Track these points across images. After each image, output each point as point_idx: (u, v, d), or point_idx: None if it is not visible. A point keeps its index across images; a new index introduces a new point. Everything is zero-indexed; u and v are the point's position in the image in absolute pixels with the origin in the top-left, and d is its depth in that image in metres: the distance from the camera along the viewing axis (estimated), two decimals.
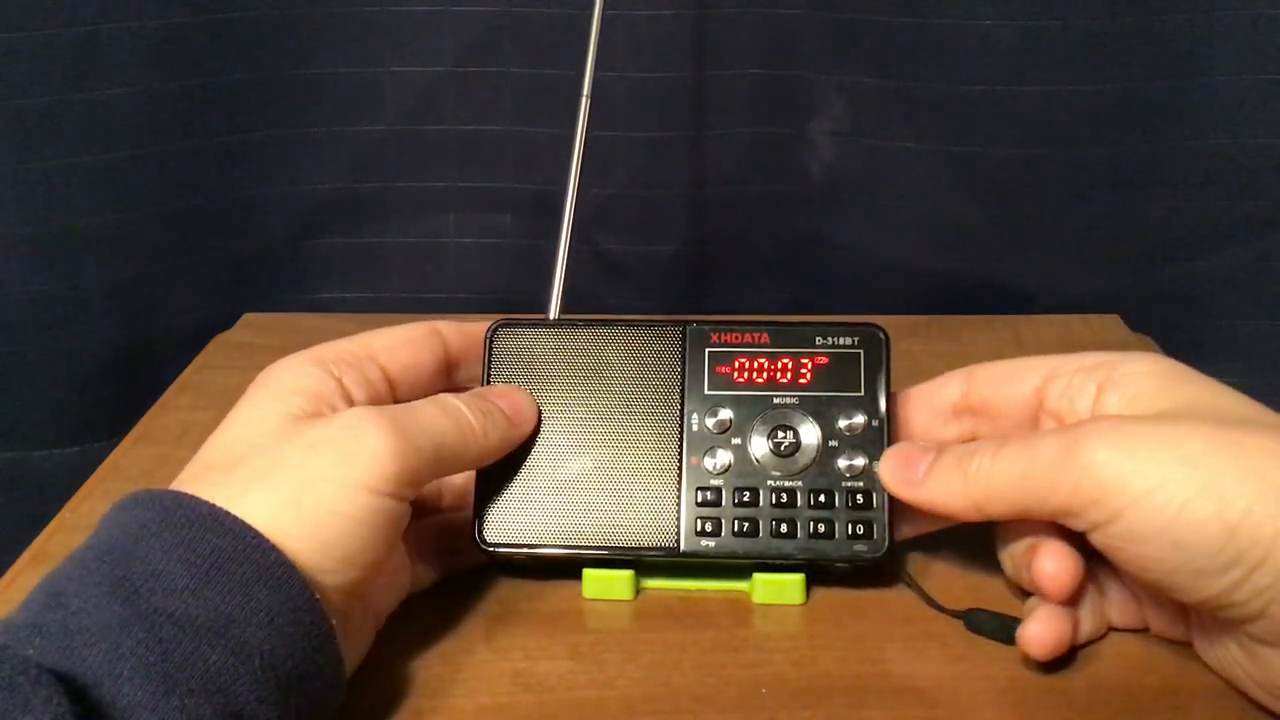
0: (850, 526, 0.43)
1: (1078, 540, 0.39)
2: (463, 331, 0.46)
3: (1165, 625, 0.41)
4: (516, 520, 0.44)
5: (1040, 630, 0.40)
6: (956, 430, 0.44)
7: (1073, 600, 0.40)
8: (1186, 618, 0.41)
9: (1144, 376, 0.39)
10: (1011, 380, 0.43)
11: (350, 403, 0.41)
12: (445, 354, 0.45)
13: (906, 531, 0.44)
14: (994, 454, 0.39)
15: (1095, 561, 0.41)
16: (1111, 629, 0.42)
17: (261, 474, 0.36)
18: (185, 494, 0.35)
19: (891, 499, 0.43)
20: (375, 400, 0.42)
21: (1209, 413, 0.37)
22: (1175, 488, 0.34)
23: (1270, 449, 0.35)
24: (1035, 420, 0.42)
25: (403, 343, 0.44)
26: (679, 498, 0.44)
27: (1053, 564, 0.39)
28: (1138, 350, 0.43)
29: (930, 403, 0.45)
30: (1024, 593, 0.42)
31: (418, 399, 0.46)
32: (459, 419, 0.41)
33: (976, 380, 0.44)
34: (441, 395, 0.42)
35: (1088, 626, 0.41)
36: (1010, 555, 0.42)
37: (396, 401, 0.44)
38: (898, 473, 0.42)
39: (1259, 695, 0.38)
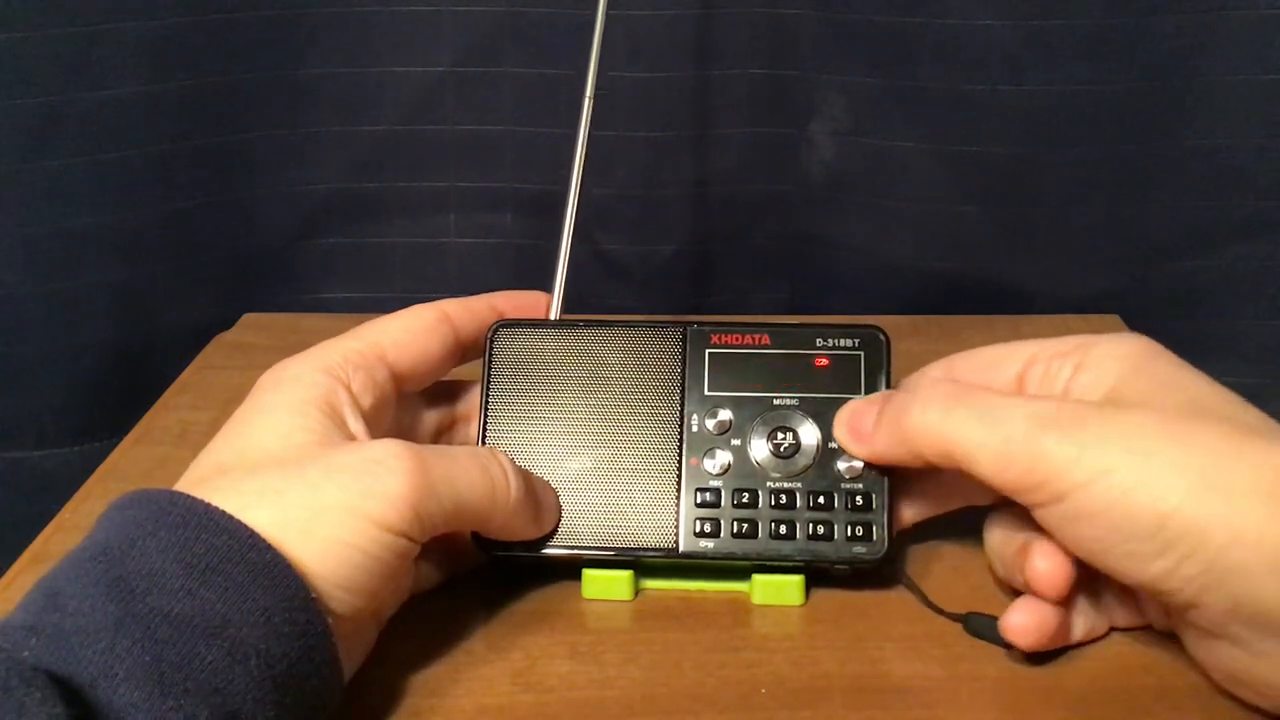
0: (849, 528, 0.43)
1: None
2: (471, 311, 0.46)
3: (1162, 617, 0.41)
4: None
5: (1023, 618, 0.40)
6: None
7: (1063, 598, 0.40)
8: None
9: (1117, 360, 0.40)
10: (992, 368, 0.43)
11: (359, 409, 0.41)
12: (455, 339, 0.45)
13: (909, 517, 0.45)
14: (945, 412, 0.39)
15: None
16: (1113, 629, 0.42)
17: (275, 491, 0.36)
18: (181, 493, 0.35)
19: (891, 500, 0.43)
20: (382, 402, 0.42)
21: (1169, 398, 0.38)
22: (1118, 477, 0.35)
23: (1215, 444, 0.36)
24: None
25: (411, 335, 0.44)
26: (678, 498, 0.44)
27: (1045, 562, 0.39)
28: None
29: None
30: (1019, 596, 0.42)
31: (427, 387, 0.46)
32: (495, 481, 0.40)
33: (958, 370, 0.44)
34: (492, 453, 0.41)
35: (1085, 625, 0.41)
36: (1001, 558, 0.42)
37: (403, 393, 0.44)
38: (851, 430, 0.43)
39: (1221, 682, 0.38)
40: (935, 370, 0.45)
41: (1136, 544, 0.35)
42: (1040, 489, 0.37)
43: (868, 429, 0.42)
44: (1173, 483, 0.35)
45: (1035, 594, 0.40)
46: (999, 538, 0.43)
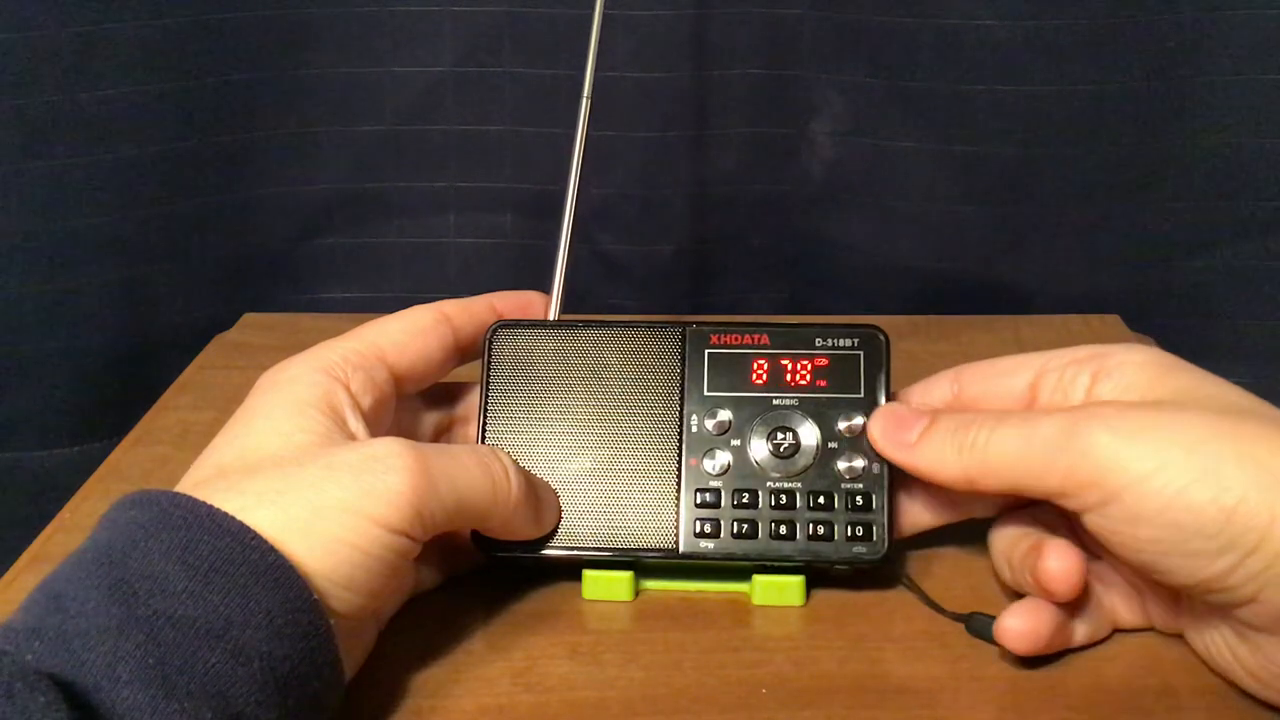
0: (849, 528, 0.43)
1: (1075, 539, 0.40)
2: (471, 312, 0.46)
3: (1168, 619, 0.41)
4: None
5: (1019, 623, 0.39)
6: None
7: (1074, 599, 0.40)
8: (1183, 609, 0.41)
9: (1137, 366, 0.40)
10: (1002, 377, 0.43)
11: (358, 410, 0.41)
12: (454, 340, 0.45)
13: (908, 527, 0.45)
14: (991, 428, 0.39)
15: (1097, 562, 0.42)
16: (1116, 630, 0.42)
17: (276, 491, 0.36)
18: (183, 495, 0.35)
19: (891, 499, 0.43)
20: (381, 403, 0.42)
21: (1204, 401, 0.38)
22: (1174, 472, 0.35)
23: (1267, 436, 0.35)
24: None
25: (410, 336, 0.44)
26: (678, 499, 0.44)
27: (1058, 562, 0.39)
28: None
29: (922, 403, 0.44)
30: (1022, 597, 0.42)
31: (426, 387, 0.46)
32: (496, 480, 0.40)
33: (966, 379, 0.44)
34: (493, 451, 0.41)
35: (1088, 629, 0.41)
36: (1008, 560, 0.42)
37: (403, 395, 0.44)
38: (890, 432, 0.42)
39: (1248, 683, 0.38)
40: (944, 380, 0.44)
41: (1200, 542, 0.35)
42: (1088, 490, 0.36)
43: (910, 440, 0.41)
44: (1235, 475, 0.34)
45: (1047, 594, 0.40)
46: (1006, 541, 0.42)
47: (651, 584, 0.45)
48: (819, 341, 0.45)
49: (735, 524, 0.43)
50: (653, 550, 0.43)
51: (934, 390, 0.45)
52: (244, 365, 0.62)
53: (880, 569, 0.43)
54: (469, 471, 0.39)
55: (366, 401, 0.41)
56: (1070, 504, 0.38)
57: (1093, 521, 0.37)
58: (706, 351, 0.45)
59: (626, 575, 0.44)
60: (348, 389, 0.41)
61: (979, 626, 0.42)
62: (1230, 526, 0.34)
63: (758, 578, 0.44)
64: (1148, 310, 0.66)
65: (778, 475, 0.44)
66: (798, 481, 0.43)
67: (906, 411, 0.42)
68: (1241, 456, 0.35)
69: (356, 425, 0.40)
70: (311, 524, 0.35)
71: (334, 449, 0.38)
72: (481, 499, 0.39)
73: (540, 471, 0.44)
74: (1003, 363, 0.43)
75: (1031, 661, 0.41)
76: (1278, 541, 0.34)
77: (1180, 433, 0.35)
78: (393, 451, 0.37)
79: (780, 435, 0.44)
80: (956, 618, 0.43)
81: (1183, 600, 0.40)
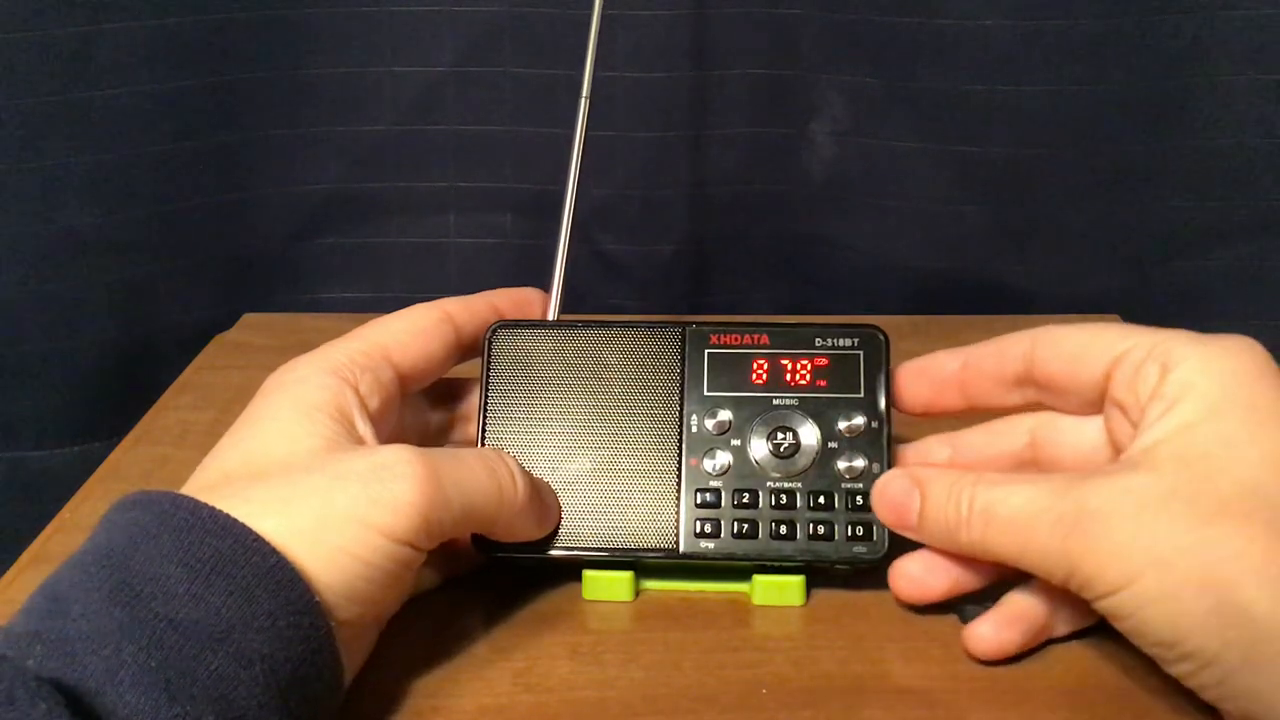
0: (850, 528, 0.43)
1: None
2: (472, 310, 0.46)
3: None
4: None
5: (989, 631, 0.41)
6: (1020, 398, 0.44)
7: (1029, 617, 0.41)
8: None
9: (1189, 401, 0.38)
10: (1079, 362, 0.41)
11: (366, 412, 0.41)
12: (455, 338, 0.45)
13: None
14: (985, 528, 0.39)
15: None
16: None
17: (282, 499, 0.36)
18: (184, 496, 0.35)
19: None
20: (387, 403, 0.42)
21: (1231, 466, 0.36)
22: (1141, 587, 0.35)
23: (1244, 557, 0.34)
24: (1101, 404, 0.41)
25: (413, 335, 0.44)
26: (678, 499, 0.44)
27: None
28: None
29: (995, 368, 0.44)
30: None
31: (428, 385, 0.46)
32: (502, 485, 0.40)
33: (1042, 355, 0.42)
34: (499, 455, 0.41)
35: (1069, 619, 0.41)
36: None
37: (406, 393, 0.44)
38: (891, 517, 0.42)
39: None
40: (1018, 346, 0.43)
41: (1159, 650, 0.36)
42: (1082, 591, 0.37)
43: (912, 522, 0.41)
44: (1192, 602, 0.34)
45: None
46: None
47: (651, 584, 0.45)
48: (819, 341, 0.45)
49: (735, 524, 0.43)
50: (653, 550, 0.43)
51: (1009, 358, 0.43)
52: (244, 365, 0.62)
53: (880, 569, 0.43)
54: (477, 477, 0.39)
55: (374, 403, 0.41)
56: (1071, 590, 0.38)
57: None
58: (706, 351, 0.45)
59: (627, 575, 0.44)
60: (356, 391, 0.41)
61: (972, 616, 0.42)
62: (1181, 646, 0.35)
63: (758, 578, 0.44)
64: (1148, 310, 0.66)
65: (778, 475, 0.44)
66: (798, 481, 0.44)
67: (895, 490, 0.42)
68: (1204, 584, 0.34)
69: (364, 428, 0.40)
70: (318, 534, 0.35)
71: (342, 455, 0.38)
72: (489, 505, 0.39)
73: (540, 472, 0.44)
74: (1078, 344, 0.42)
75: (1031, 661, 0.41)
76: (1227, 667, 0.34)
77: (1154, 545, 0.35)
78: (402, 459, 0.37)
79: (780, 435, 0.44)
80: (951, 607, 0.43)
81: None
